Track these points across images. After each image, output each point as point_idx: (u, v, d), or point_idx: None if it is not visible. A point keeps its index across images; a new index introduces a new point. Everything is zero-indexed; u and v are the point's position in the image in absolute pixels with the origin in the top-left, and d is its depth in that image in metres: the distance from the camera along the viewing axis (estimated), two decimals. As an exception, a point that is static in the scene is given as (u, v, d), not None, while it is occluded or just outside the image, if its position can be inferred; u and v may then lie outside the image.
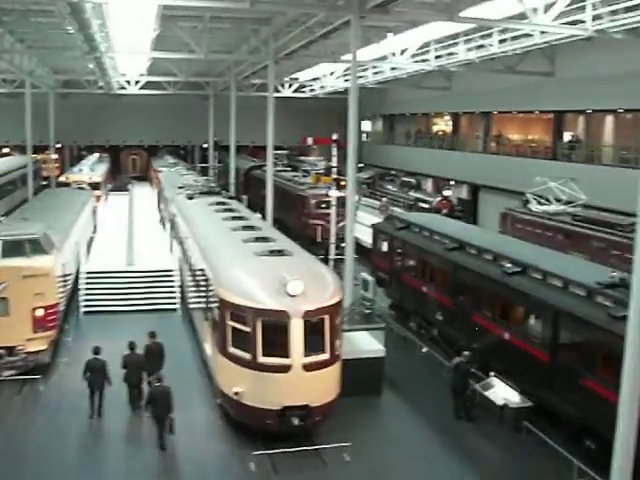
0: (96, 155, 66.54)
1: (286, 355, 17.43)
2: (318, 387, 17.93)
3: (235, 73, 48.00)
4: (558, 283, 19.20)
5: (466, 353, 20.31)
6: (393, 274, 28.48)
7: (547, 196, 33.09)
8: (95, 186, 47.83)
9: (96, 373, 19.63)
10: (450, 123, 57.97)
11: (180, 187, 36.96)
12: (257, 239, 21.68)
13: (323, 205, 38.02)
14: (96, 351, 20.00)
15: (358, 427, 19.33)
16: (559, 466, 17.12)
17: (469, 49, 36.56)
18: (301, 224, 41.22)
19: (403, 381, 22.76)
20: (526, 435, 18.80)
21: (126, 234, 37.96)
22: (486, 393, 20.32)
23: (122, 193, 56.32)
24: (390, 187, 54.97)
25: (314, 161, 53.15)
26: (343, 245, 37.85)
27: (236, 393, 17.84)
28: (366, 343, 22.05)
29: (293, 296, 17.42)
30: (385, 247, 29.38)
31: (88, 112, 64.93)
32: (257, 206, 44.64)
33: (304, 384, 17.65)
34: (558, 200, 32.51)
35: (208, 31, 35.21)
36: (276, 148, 64.70)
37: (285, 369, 17.43)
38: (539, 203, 32.89)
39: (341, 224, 37.76)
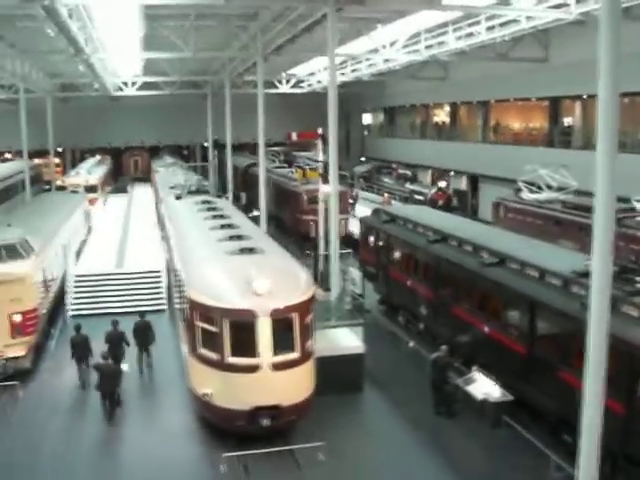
0: (96, 158, 66.53)
1: (254, 355, 17.09)
2: (289, 386, 17.56)
3: (229, 71, 47.71)
4: (535, 273, 18.76)
5: (444, 347, 19.93)
6: (380, 268, 28.06)
7: (539, 184, 32.59)
8: (91, 189, 47.77)
9: (77, 347, 21.77)
10: (449, 113, 57.55)
11: (171, 187, 36.72)
12: (231, 238, 21.37)
13: (317, 200, 37.50)
14: (77, 328, 22.32)
15: (336, 426, 18.95)
16: (538, 461, 16.71)
17: (458, 38, 36.07)
18: (295, 220, 40.80)
19: (387, 377, 22.36)
20: (506, 430, 18.40)
21: (120, 236, 37.81)
22: (467, 388, 19.86)
23: (122, 195, 56.24)
24: (387, 180, 54.47)
25: (310, 156, 52.76)
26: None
27: (205, 394, 17.57)
28: (346, 340, 21.65)
29: (260, 295, 17.08)
30: (372, 241, 28.96)
31: (89, 115, 64.97)
32: (255, 203, 44.36)
33: (274, 384, 17.30)
34: (549, 187, 31.99)
35: (195, 29, 35.00)
36: (277, 144, 64.76)
37: (254, 369, 17.09)
38: (531, 191, 32.38)
39: (335, 219, 37.51)
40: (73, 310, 28.90)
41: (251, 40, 36.98)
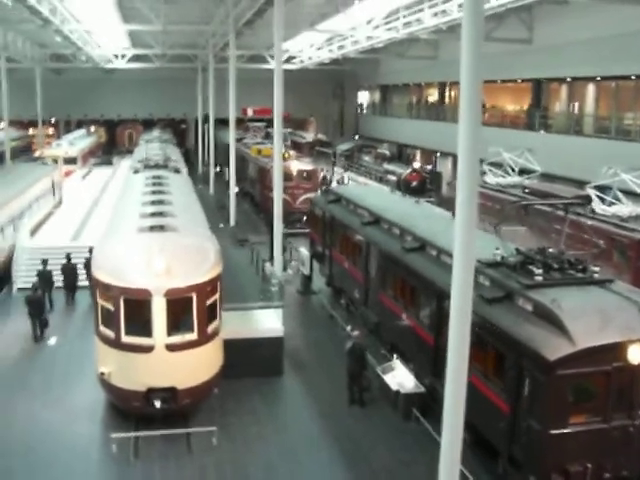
0: (86, 129, 66.23)
1: (149, 335, 16.70)
2: (185, 369, 17.10)
3: (212, 45, 47.10)
4: (449, 260, 18.03)
5: (356, 333, 19.34)
6: (325, 249, 27.40)
7: (505, 167, 31.81)
8: (71, 160, 47.39)
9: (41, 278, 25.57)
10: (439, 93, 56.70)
11: (139, 161, 36.18)
12: (153, 214, 20.79)
13: (286, 177, 36.76)
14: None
15: (242, 410, 18.56)
16: (434, 457, 15.96)
17: (434, 15, 35.25)
18: (263, 197, 40.15)
19: (313, 362, 21.86)
20: (417, 424, 17.77)
21: (88, 210, 37.55)
22: (384, 377, 19.31)
23: (109, 167, 55.99)
24: (367, 159, 53.39)
25: (288, 132, 51.99)
26: (304, 219, 37.09)
27: (102, 373, 17.21)
28: (267, 322, 21.09)
29: (156, 274, 16.61)
30: (319, 221, 28.27)
31: (82, 87, 64.53)
32: (238, 179, 43.80)
33: (169, 365, 16.89)
34: (514, 171, 31.24)
35: (165, 2, 34.58)
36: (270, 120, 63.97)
37: (148, 349, 16.71)
38: (494, 175, 31.57)
39: (302, 197, 37.00)
40: (21, 282, 28.53)
41: (225, 15, 36.49)
